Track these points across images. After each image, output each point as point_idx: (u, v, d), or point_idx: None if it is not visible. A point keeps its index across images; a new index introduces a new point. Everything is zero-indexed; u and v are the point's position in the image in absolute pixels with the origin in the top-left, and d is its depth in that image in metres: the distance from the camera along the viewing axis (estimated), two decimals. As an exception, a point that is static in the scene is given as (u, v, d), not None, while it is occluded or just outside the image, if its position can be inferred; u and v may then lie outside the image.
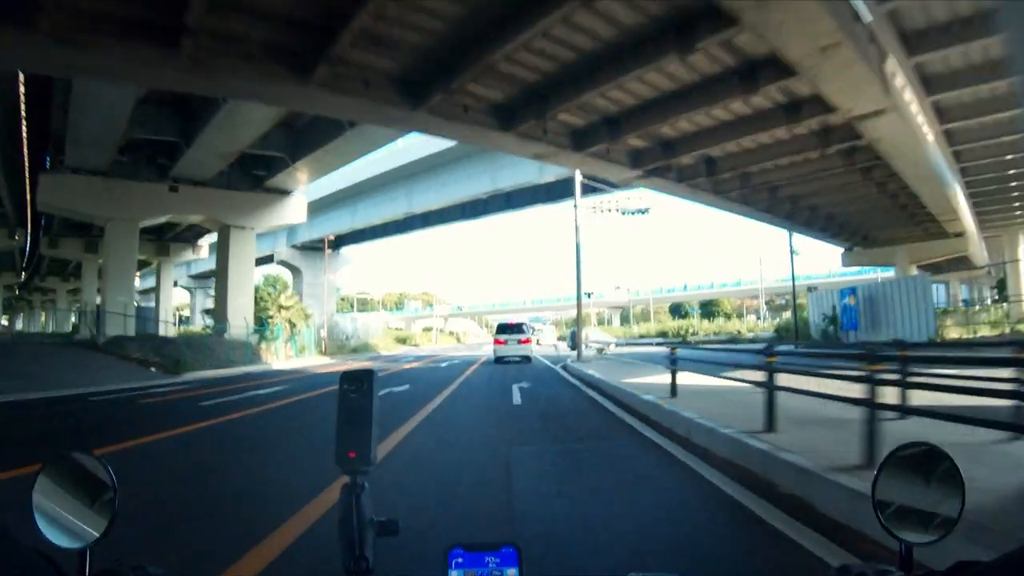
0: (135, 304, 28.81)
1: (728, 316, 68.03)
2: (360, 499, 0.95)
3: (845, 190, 19.22)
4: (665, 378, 11.01)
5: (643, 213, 19.53)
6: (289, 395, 12.59)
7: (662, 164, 14.33)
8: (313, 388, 14.06)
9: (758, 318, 59.94)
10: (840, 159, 15.70)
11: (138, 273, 62.23)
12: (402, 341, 74.46)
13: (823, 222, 24.50)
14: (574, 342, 38.92)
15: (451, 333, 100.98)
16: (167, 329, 34.86)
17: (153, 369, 21.41)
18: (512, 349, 23.33)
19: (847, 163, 15.80)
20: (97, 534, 0.90)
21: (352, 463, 0.97)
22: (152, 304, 45.34)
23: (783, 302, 75.49)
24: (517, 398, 10.23)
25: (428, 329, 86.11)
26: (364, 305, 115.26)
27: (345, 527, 0.93)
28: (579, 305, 21.02)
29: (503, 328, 24.67)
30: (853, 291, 27.84)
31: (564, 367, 18.73)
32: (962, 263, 34.82)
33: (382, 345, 48.13)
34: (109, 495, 0.93)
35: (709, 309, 74.27)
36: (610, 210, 19.28)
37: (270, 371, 23.65)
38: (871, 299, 27.01)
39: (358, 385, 1.01)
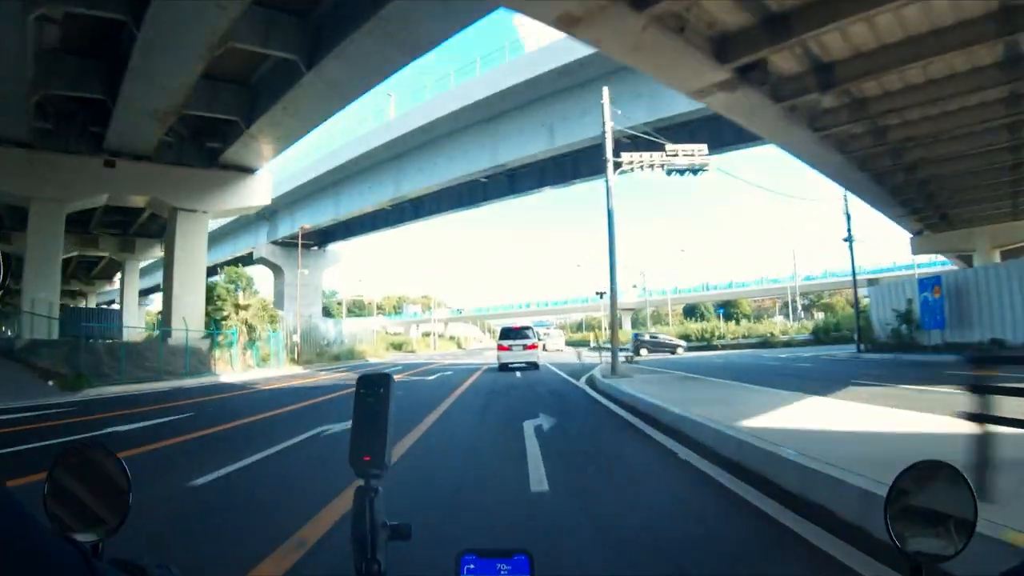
0: (57, 303, 23.68)
1: (748, 317, 63.05)
2: (373, 503, 0.93)
3: (965, 138, 14.21)
4: (821, 417, 6.08)
5: (696, 173, 14.37)
6: (166, 435, 7.57)
7: (760, 59, 9.16)
8: (226, 419, 9.16)
9: (786, 319, 54.69)
10: (999, 73, 10.65)
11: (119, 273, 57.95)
12: (397, 347, 69.83)
13: (914, 190, 19.39)
14: (637, 346, 33.81)
15: (451, 338, 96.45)
16: (130, 334, 29.85)
17: (51, 383, 16.49)
18: (517, 355, 21.41)
19: (1007, 78, 10.74)
20: (110, 527, 0.89)
21: (366, 467, 0.95)
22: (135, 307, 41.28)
23: (807, 302, 70.36)
24: (538, 470, 4.81)
25: (427, 334, 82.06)
26: (361, 309, 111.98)
27: (358, 530, 0.92)
28: (613, 298, 15.96)
29: (507, 333, 22.61)
30: (937, 280, 22.71)
31: (592, 383, 13.62)
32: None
33: (371, 352, 43.08)
34: (123, 489, 0.93)
35: (727, 311, 69.05)
36: (652, 167, 14.15)
37: (211, 385, 18.69)
38: (958, 291, 21.92)
39: (374, 389, 0.99)
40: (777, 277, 65.43)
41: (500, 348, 21.72)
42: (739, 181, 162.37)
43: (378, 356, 43.13)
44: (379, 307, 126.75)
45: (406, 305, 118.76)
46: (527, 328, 22.98)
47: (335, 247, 50.61)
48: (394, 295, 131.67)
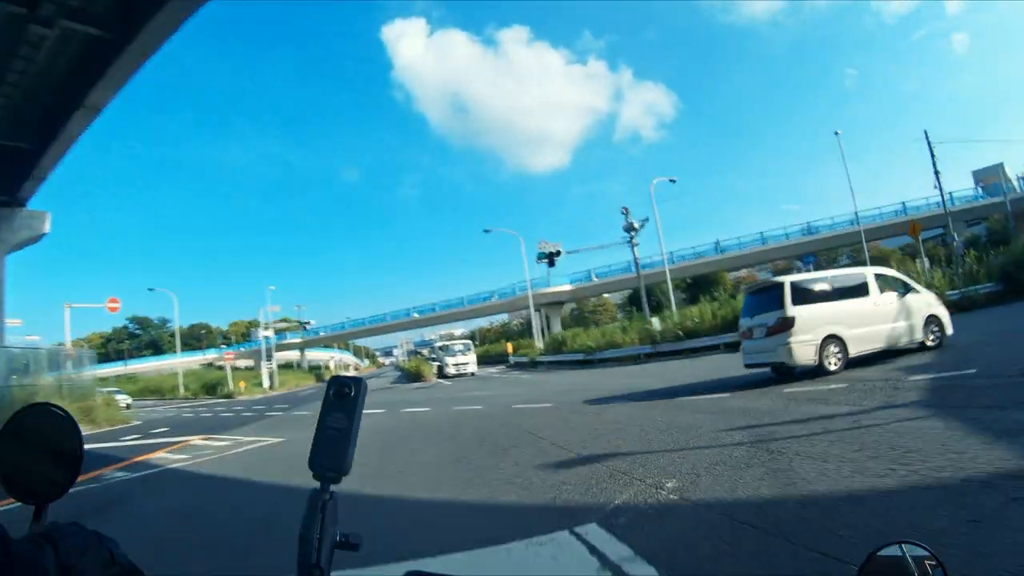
0: None
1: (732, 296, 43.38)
2: (326, 507, 0.88)
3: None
4: None
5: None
6: None
7: None
8: None
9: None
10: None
11: None
12: (210, 389, 48.05)
13: None
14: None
15: (311, 368, 75.51)
16: None
17: None
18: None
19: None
20: (57, 490, 0.90)
21: (325, 471, 0.91)
22: None
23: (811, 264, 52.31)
24: None
25: (287, 366, 65.49)
26: (199, 340, 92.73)
27: (306, 535, 0.87)
28: None
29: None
30: None
31: None
32: None
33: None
34: (75, 453, 0.93)
35: (701, 289, 49.68)
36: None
37: None
38: None
39: (344, 391, 0.94)
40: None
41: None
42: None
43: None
44: (225, 337, 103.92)
45: (255, 331, 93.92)
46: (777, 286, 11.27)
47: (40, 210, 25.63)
48: (243, 321, 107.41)
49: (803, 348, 10.32)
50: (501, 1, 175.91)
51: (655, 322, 28.06)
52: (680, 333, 24.83)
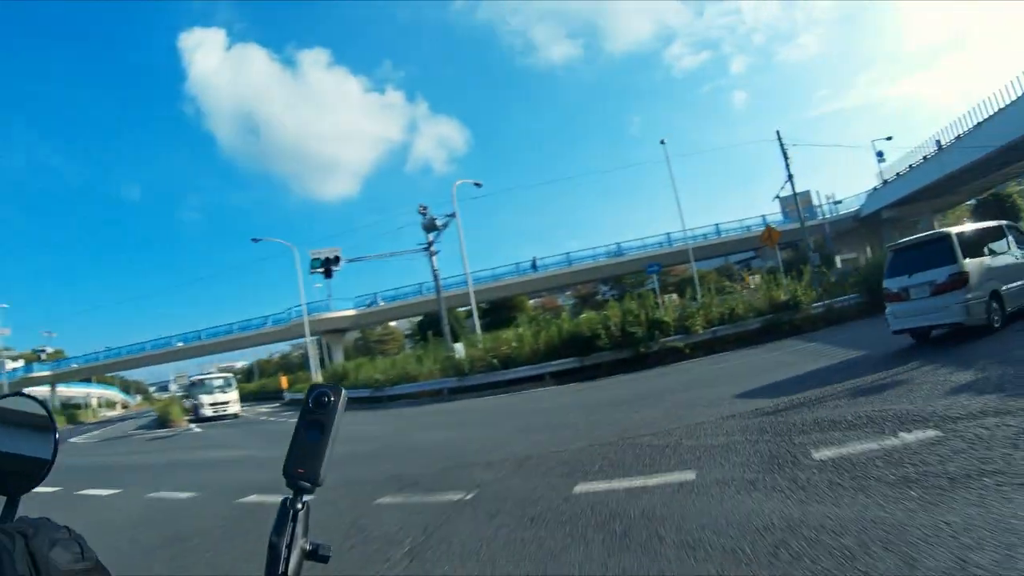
0: None
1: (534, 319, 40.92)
2: (297, 516, 0.87)
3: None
4: None
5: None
6: None
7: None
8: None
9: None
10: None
11: None
12: None
13: None
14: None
15: (67, 407, 59.45)
16: None
17: None
18: None
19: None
20: (28, 485, 0.87)
21: (298, 479, 0.90)
22: None
23: (615, 292, 52.15)
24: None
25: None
26: None
27: (275, 544, 0.85)
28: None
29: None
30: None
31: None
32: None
33: None
34: (48, 444, 0.90)
35: (500, 316, 46.73)
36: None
37: None
38: None
39: (323, 399, 0.93)
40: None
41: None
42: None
43: None
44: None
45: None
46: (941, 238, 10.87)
47: None
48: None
49: (977, 305, 9.93)
50: (305, 20, 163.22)
51: (458, 348, 23.61)
52: (495, 362, 20.51)
